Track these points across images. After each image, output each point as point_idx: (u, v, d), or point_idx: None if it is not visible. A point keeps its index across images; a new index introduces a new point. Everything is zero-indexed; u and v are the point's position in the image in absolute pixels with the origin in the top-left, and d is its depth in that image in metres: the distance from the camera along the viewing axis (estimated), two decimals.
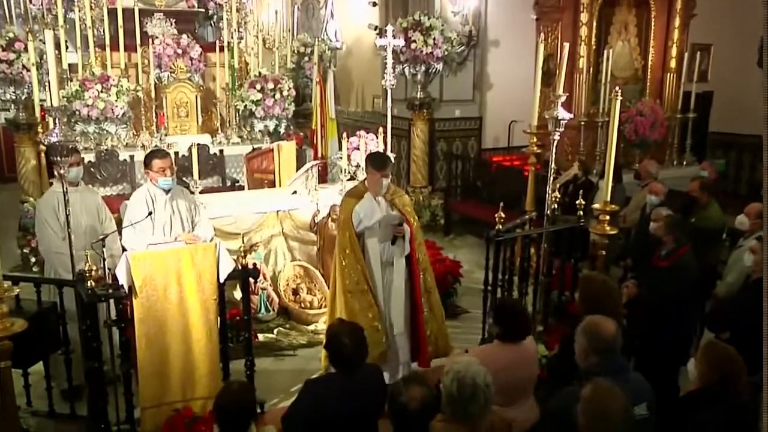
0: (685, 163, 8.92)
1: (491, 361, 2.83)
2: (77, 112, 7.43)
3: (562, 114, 5.02)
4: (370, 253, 4.20)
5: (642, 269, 4.77)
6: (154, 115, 8.36)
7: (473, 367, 2.59)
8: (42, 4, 8.39)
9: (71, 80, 7.58)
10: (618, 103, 4.48)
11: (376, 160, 4.28)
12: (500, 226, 4.74)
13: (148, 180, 4.35)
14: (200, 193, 5.71)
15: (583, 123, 8.13)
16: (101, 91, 7.43)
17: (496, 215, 4.74)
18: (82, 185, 4.55)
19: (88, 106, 7.38)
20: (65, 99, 7.27)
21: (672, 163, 8.89)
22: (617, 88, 4.64)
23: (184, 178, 6.74)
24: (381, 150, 6.30)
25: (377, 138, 6.48)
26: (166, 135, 8.38)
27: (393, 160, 5.91)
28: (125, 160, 7.73)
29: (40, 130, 7.11)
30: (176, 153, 6.46)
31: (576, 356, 2.88)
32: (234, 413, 2.76)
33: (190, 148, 6.17)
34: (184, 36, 8.57)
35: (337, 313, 4.26)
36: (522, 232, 5.35)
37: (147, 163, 4.33)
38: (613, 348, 2.77)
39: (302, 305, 5.75)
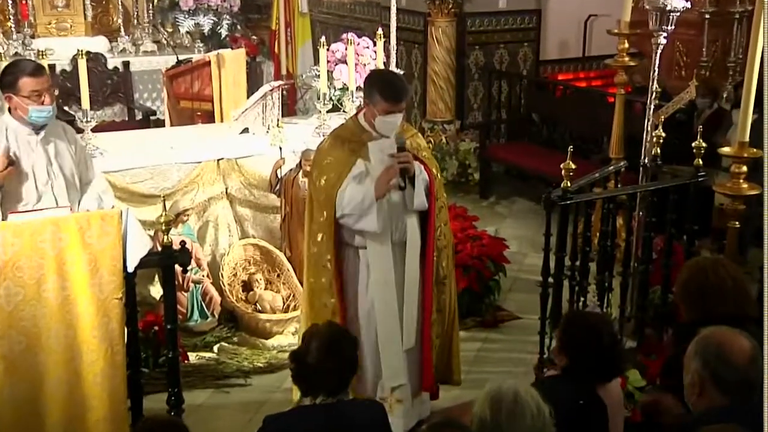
0: None
1: None
2: None
3: (674, 1, 4.98)
4: (372, 237, 4.24)
5: None
6: (10, 3, 8.29)
7: (511, 383, 2.67)
8: None
9: None
10: None
11: (388, 86, 4.19)
12: (568, 183, 4.71)
13: (7, 110, 4.30)
14: (93, 131, 5.67)
15: (707, 16, 8.09)
16: None
17: (562, 166, 4.71)
18: None
19: None
20: None
21: None
22: None
23: (65, 108, 6.69)
24: (384, 68, 6.31)
25: (374, 45, 6.45)
26: (32, 37, 8.31)
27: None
28: None
29: None
30: (52, 66, 6.38)
31: (685, 389, 2.87)
32: None
33: (74, 59, 6.08)
34: None
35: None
36: (603, 192, 5.34)
37: (8, 82, 4.27)
38: (749, 380, 2.74)
39: (258, 307, 5.78)
